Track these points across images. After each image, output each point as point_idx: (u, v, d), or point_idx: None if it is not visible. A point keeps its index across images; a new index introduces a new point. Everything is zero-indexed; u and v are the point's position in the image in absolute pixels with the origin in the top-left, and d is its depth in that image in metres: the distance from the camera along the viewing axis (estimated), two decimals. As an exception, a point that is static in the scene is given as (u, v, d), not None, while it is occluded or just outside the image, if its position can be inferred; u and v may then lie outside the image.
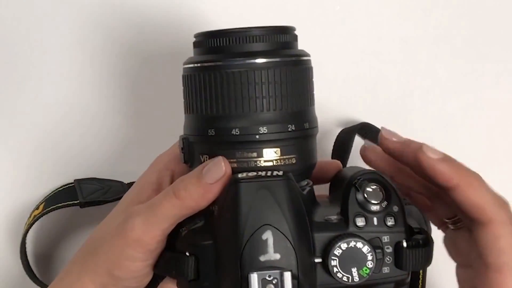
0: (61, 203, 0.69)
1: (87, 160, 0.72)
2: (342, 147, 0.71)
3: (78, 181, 0.71)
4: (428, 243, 0.54)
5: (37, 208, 0.70)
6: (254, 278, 0.49)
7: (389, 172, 0.57)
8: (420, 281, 0.68)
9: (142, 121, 0.72)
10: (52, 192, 0.72)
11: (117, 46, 0.72)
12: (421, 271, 0.67)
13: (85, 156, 0.72)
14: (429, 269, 0.68)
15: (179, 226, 0.54)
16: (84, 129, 0.72)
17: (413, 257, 0.53)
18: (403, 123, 0.72)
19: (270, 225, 0.50)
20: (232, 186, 0.51)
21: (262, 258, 0.50)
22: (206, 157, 0.53)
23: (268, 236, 0.50)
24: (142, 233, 0.53)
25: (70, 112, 0.72)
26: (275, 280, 0.50)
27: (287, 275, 0.49)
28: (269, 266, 0.50)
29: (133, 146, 0.72)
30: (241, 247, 0.50)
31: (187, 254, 0.52)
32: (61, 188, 0.72)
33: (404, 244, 0.53)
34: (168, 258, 0.54)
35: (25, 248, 0.70)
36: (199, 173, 0.52)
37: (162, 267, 0.55)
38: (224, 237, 0.51)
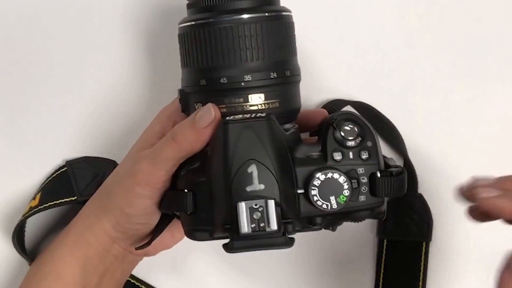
0: (58, 200, 0.70)
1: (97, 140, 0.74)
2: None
3: (70, 164, 0.72)
4: (401, 173, 0.60)
5: (33, 198, 0.72)
6: (242, 206, 0.56)
7: None
8: (420, 282, 0.72)
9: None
10: (47, 180, 0.73)
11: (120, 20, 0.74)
12: (421, 270, 0.71)
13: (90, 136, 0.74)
14: (430, 270, 0.72)
15: (180, 168, 0.61)
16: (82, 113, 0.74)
17: (386, 185, 0.59)
18: (405, 116, 0.73)
19: (254, 159, 0.57)
20: (221, 127, 0.58)
21: (249, 189, 0.56)
22: (200, 105, 0.60)
23: (253, 169, 0.57)
24: (148, 173, 0.61)
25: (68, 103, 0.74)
26: (261, 208, 0.56)
27: (271, 203, 0.56)
28: (255, 195, 0.56)
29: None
30: (230, 180, 0.57)
31: (186, 191, 0.59)
32: (54, 175, 0.73)
33: (378, 174, 0.59)
34: (170, 196, 0.61)
35: (21, 236, 0.72)
36: (192, 119, 0.59)
37: (166, 205, 0.62)
38: (215, 173, 0.58)
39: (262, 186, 0.57)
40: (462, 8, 0.72)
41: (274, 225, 0.56)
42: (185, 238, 0.68)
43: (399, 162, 0.72)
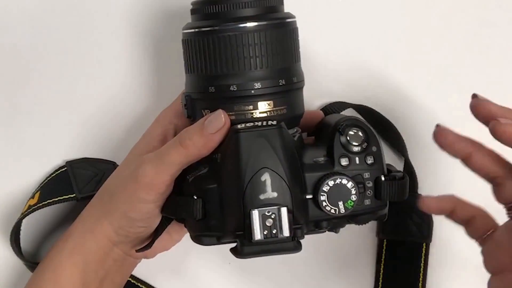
0: (57, 197, 0.70)
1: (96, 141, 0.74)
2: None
3: (70, 164, 0.72)
4: (403, 178, 0.62)
5: (32, 197, 0.71)
6: (255, 214, 0.57)
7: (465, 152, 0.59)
8: (420, 283, 0.73)
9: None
10: (46, 179, 0.72)
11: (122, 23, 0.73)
12: (421, 271, 0.72)
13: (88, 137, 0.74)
14: (430, 270, 0.72)
15: (185, 173, 0.61)
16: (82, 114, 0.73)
17: (389, 189, 0.61)
18: (405, 116, 0.73)
19: (268, 168, 0.58)
20: (232, 136, 0.58)
21: (262, 197, 0.58)
22: (207, 112, 0.60)
23: (266, 177, 0.58)
24: (153, 178, 0.61)
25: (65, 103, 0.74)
26: (273, 215, 0.57)
27: (284, 210, 0.57)
28: (268, 203, 0.57)
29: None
30: (243, 188, 0.57)
31: (195, 197, 0.60)
32: (54, 175, 0.72)
33: (382, 178, 0.61)
34: (177, 202, 0.61)
35: (19, 236, 0.71)
36: (201, 124, 0.59)
37: (171, 210, 0.62)
38: (227, 181, 0.59)
39: (275, 194, 0.58)
40: (462, 8, 0.73)
41: (286, 232, 0.57)
42: (184, 238, 0.70)
43: (399, 162, 0.73)
